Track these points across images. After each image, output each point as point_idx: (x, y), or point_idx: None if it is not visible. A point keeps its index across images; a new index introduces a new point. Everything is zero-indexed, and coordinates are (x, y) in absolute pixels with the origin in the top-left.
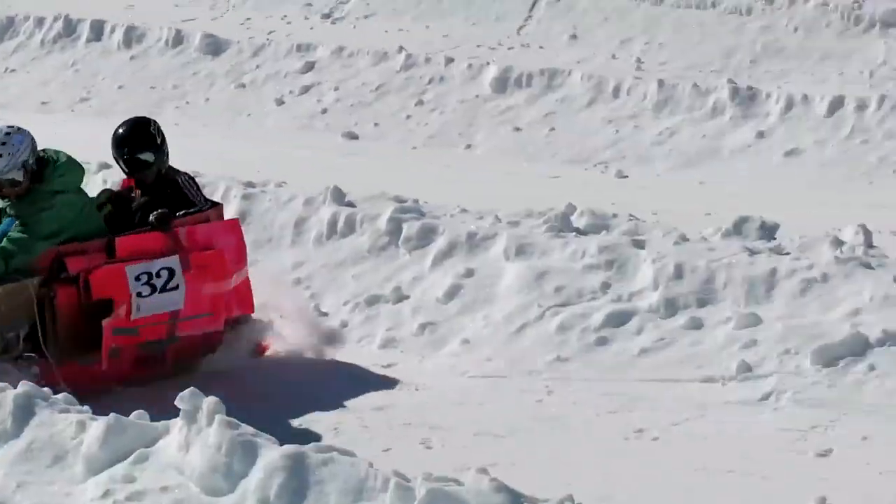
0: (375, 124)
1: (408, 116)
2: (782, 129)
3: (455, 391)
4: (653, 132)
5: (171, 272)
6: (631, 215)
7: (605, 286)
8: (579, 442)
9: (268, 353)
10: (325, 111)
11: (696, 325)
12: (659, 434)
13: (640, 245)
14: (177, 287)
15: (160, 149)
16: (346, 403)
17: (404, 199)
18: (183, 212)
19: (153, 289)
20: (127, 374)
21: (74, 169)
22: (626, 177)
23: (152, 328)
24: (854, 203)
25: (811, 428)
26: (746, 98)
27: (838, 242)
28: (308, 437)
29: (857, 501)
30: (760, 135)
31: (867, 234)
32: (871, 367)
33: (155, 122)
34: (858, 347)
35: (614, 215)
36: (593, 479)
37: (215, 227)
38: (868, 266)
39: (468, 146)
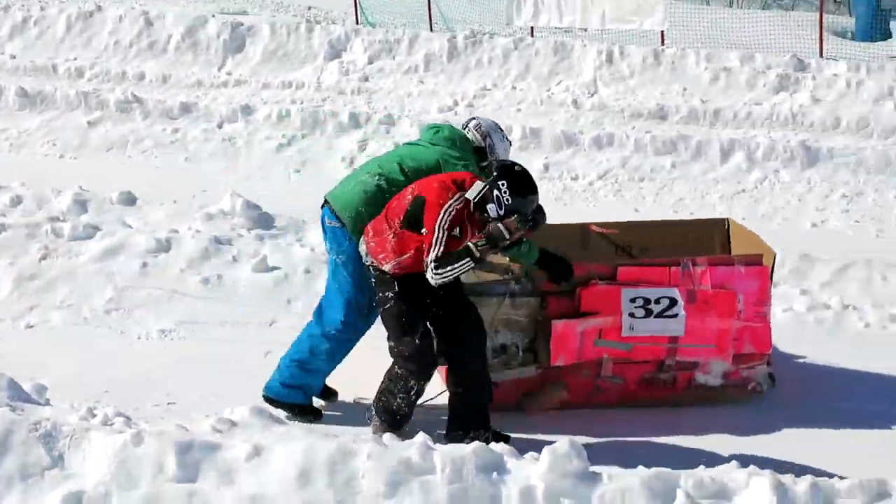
0: None
1: None
2: None
3: None
4: None
5: (673, 301)
6: None
7: None
8: None
9: None
10: None
11: None
12: None
13: None
14: (676, 315)
15: None
16: None
17: None
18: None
19: (649, 312)
20: (631, 393)
21: None
22: None
23: (647, 348)
24: None
25: None
26: None
27: None
28: None
29: None
30: None
31: None
32: None
33: None
34: None
35: None
36: None
37: (737, 271)
38: None
39: None
